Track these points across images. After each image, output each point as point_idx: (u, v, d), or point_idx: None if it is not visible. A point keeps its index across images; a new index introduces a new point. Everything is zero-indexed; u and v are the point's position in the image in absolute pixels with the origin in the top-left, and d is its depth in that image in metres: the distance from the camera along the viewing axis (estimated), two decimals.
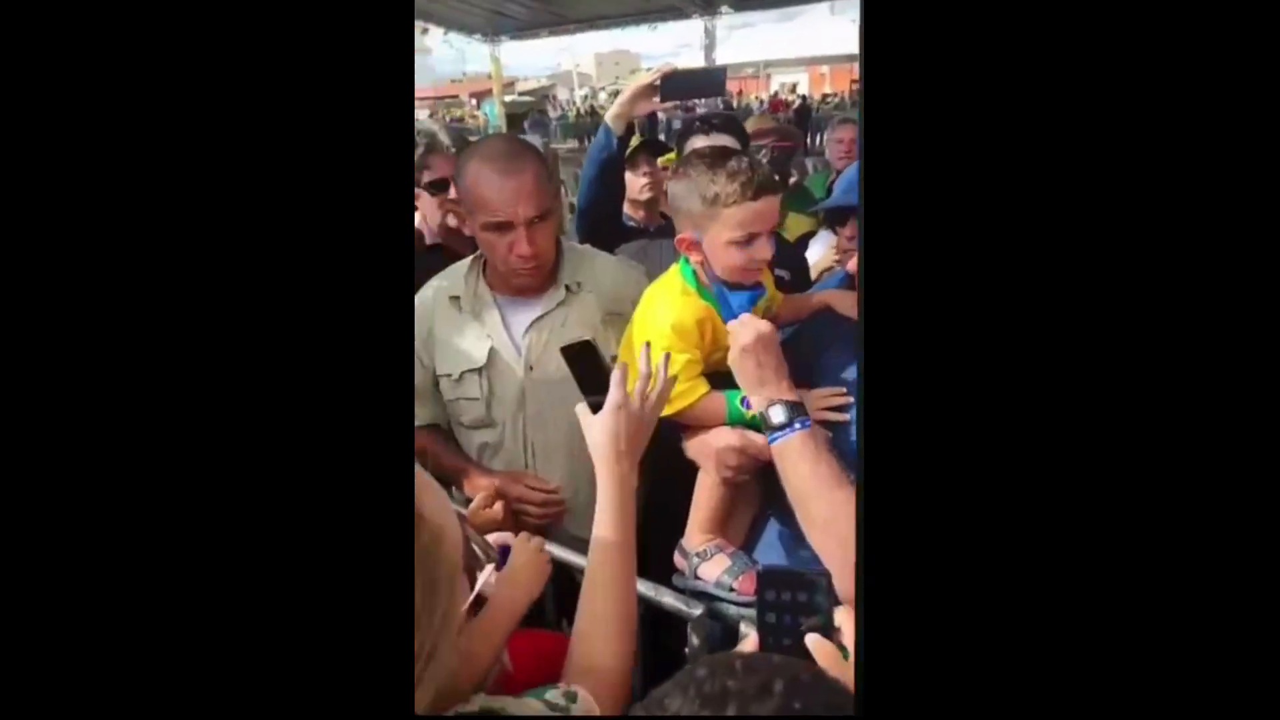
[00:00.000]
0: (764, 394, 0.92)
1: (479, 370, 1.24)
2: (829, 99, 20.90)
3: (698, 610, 0.95)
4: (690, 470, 1.08)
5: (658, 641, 0.99)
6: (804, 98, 19.22)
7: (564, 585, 1.06)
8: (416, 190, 1.69)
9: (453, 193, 1.54)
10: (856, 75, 0.43)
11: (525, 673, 0.83)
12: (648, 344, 0.89)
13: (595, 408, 0.80)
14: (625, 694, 0.56)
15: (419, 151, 1.73)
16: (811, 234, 2.39)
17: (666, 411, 0.97)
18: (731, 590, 0.99)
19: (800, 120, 11.25)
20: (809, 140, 7.79)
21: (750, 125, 2.63)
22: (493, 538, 0.94)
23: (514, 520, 1.19)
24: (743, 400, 0.99)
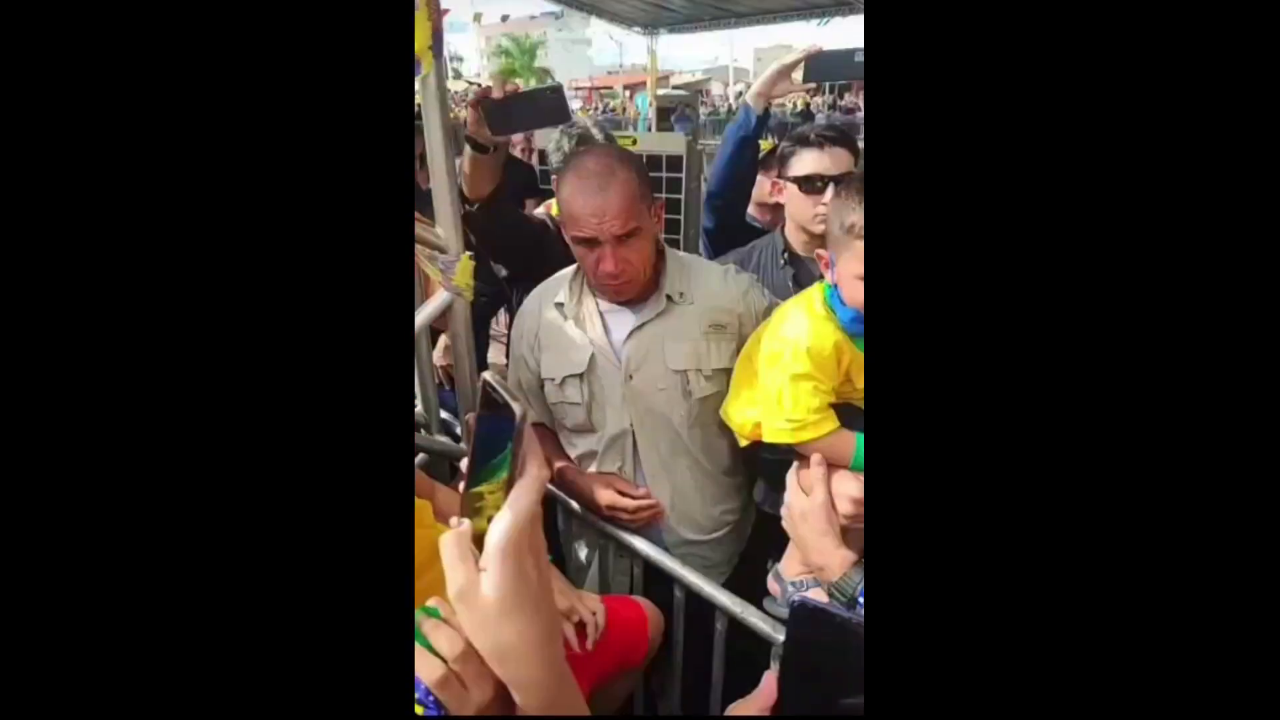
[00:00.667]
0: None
1: (580, 376, 1.25)
2: None
3: (781, 637, 0.92)
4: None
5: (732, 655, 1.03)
6: None
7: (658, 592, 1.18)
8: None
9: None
10: None
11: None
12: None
13: None
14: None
15: (571, 144, 1.72)
16: None
17: (791, 440, 0.98)
18: None
19: None
20: None
21: None
22: None
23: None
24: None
